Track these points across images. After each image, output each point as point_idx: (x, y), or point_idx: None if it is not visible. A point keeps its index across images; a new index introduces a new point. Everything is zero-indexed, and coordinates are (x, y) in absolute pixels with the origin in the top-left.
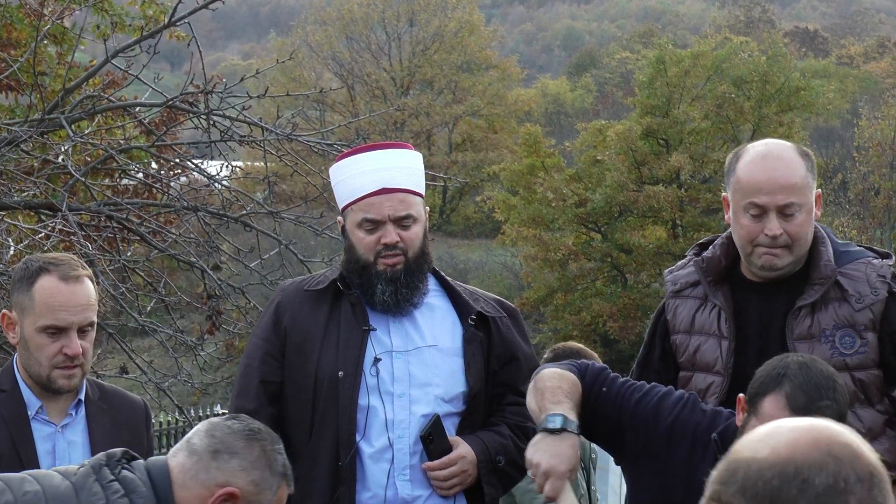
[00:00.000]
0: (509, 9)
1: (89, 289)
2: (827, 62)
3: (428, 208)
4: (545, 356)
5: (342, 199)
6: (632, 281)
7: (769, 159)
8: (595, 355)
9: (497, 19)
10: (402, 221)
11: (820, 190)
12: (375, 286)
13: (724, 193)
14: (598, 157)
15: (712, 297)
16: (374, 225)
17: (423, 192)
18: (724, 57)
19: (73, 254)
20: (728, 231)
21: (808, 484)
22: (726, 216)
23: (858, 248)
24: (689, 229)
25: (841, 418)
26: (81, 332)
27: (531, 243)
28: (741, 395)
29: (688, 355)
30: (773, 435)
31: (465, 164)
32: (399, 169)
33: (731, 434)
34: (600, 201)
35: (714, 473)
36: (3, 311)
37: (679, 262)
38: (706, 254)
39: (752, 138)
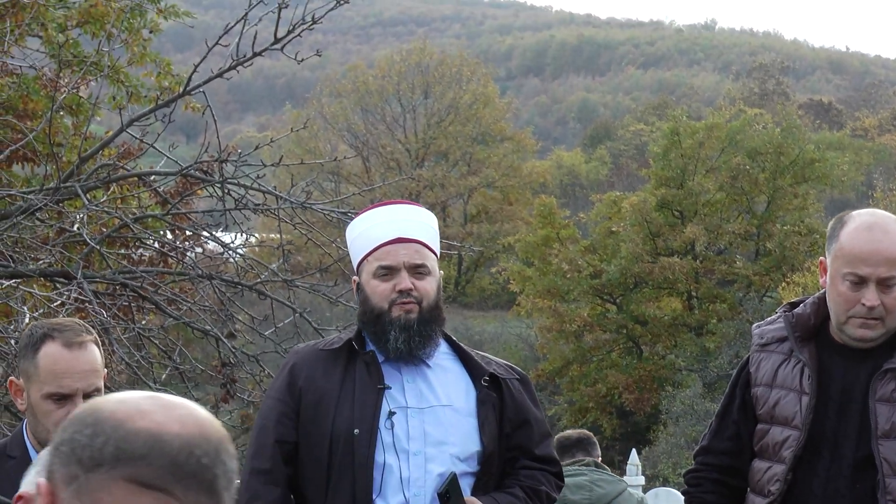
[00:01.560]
0: (524, 81)
1: (94, 354)
2: (841, 134)
3: (442, 272)
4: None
5: (358, 254)
6: (647, 352)
7: (876, 231)
8: (596, 444)
9: (512, 91)
10: (417, 269)
11: None
12: (388, 333)
13: (821, 258)
14: (613, 229)
15: (798, 352)
16: (388, 272)
17: (437, 250)
18: (739, 129)
19: (88, 322)
20: (822, 292)
21: (227, 461)
22: (821, 279)
23: None
24: (704, 301)
25: None
26: (88, 397)
27: (546, 314)
28: None
29: (767, 408)
30: (165, 406)
31: (480, 236)
32: (414, 222)
33: None
34: (615, 272)
35: (83, 440)
36: (11, 378)
37: (768, 318)
38: (797, 311)
39: (767, 210)
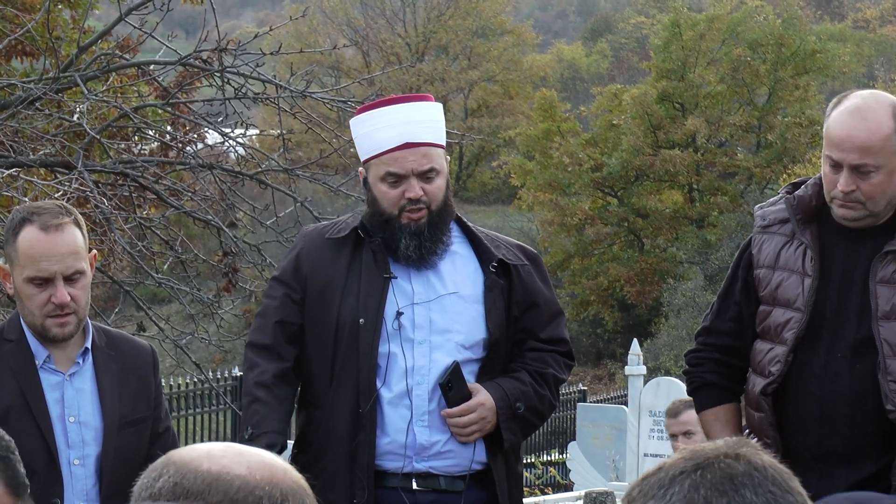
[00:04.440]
0: None
1: (73, 236)
2: (843, 26)
3: (448, 158)
4: None
5: (364, 152)
6: (648, 245)
7: (855, 116)
8: None
9: None
10: (425, 175)
11: None
12: (399, 240)
13: None
14: (614, 122)
15: (800, 234)
16: (397, 179)
17: (444, 143)
18: (740, 20)
19: (90, 212)
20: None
21: None
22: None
23: None
24: (705, 193)
25: None
26: (70, 279)
27: (547, 208)
28: None
29: (769, 290)
30: (237, 453)
31: (480, 130)
32: (421, 123)
33: None
34: (616, 166)
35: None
36: None
37: (770, 199)
38: (798, 192)
39: (768, 102)
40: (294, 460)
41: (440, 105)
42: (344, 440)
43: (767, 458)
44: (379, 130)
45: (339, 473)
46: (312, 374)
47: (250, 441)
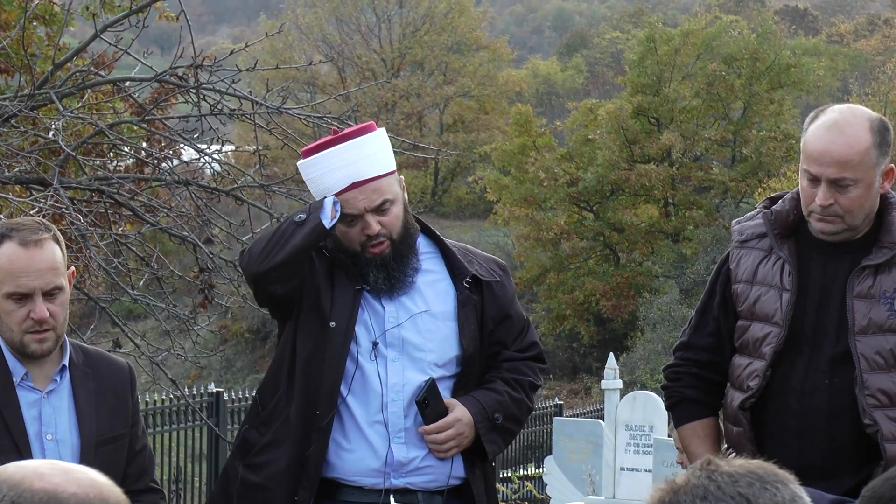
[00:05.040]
0: None
1: (52, 252)
2: (817, 40)
3: (402, 178)
4: None
5: (316, 196)
6: (624, 259)
7: (833, 130)
8: None
9: (487, 0)
10: (379, 208)
11: (894, 165)
12: (368, 274)
13: None
14: (590, 137)
15: (777, 249)
16: (352, 218)
17: (394, 166)
18: (715, 35)
19: (65, 229)
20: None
21: None
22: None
23: None
24: (680, 207)
25: None
26: (49, 295)
27: (523, 223)
28: None
29: (747, 305)
30: (63, 471)
31: (456, 146)
32: (365, 158)
33: None
34: (592, 180)
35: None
36: None
37: (748, 214)
38: (775, 207)
39: (743, 116)
40: (245, 434)
41: (383, 131)
42: (297, 441)
43: (736, 465)
44: (325, 175)
45: (284, 474)
46: (282, 362)
47: (307, 216)
